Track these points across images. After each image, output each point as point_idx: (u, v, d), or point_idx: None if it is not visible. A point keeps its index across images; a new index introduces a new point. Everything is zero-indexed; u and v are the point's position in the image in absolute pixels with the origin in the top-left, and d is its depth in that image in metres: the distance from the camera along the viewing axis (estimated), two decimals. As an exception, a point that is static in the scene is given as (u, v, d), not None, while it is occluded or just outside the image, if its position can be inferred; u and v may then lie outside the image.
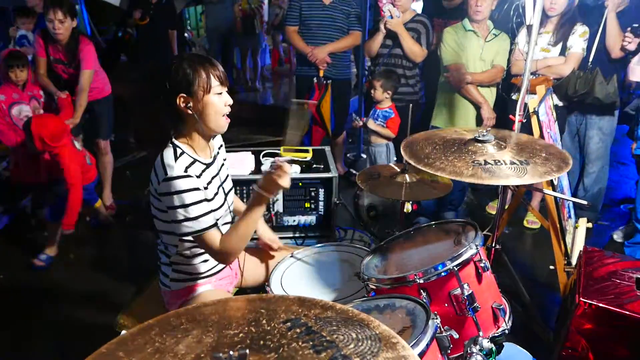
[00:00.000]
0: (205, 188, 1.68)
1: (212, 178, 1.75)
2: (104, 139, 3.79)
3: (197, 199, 1.61)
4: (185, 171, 1.60)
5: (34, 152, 3.04)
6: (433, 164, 1.67)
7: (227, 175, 1.90)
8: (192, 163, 1.66)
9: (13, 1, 4.76)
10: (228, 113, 1.68)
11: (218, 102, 1.64)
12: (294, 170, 2.70)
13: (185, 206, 1.59)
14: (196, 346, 0.73)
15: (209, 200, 1.69)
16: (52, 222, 3.26)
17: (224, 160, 1.91)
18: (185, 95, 1.60)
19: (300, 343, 0.73)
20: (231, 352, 0.68)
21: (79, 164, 3.16)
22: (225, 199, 1.82)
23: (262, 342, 0.72)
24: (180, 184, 1.58)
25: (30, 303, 2.89)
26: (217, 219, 1.73)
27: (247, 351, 0.68)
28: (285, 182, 1.60)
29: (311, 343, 0.74)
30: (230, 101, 1.68)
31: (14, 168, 3.40)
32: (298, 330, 0.76)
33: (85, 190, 3.36)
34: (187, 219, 1.61)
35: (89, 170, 3.32)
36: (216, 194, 1.75)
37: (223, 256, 1.69)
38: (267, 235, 2.12)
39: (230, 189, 1.91)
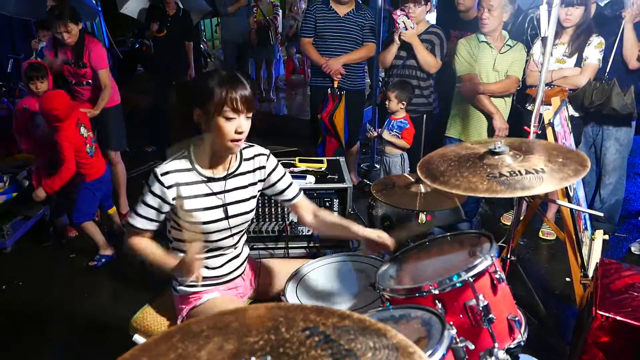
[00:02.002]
0: (184, 197, 1.69)
1: (209, 194, 1.74)
2: (114, 150, 3.83)
3: (149, 201, 1.70)
4: (163, 175, 1.67)
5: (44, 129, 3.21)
6: (448, 182, 1.66)
7: (243, 200, 1.82)
8: (186, 170, 1.70)
9: (36, 14, 4.88)
10: (238, 139, 1.64)
11: (226, 126, 1.61)
12: (309, 181, 2.71)
13: (139, 199, 1.72)
14: (217, 353, 0.74)
15: (198, 210, 1.71)
16: (77, 225, 3.31)
17: (258, 181, 1.85)
18: (199, 110, 1.64)
19: (318, 351, 0.74)
20: (253, 358, 0.70)
21: (75, 145, 3.12)
22: (224, 219, 1.78)
23: (281, 350, 0.73)
24: (151, 180, 1.69)
25: (49, 309, 2.94)
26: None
27: (269, 358, 0.70)
28: (188, 274, 1.60)
29: (329, 351, 0.74)
30: (242, 129, 1.63)
31: (36, 176, 3.47)
32: (316, 339, 0.76)
33: (100, 191, 3.37)
34: (132, 210, 1.76)
35: (88, 161, 3.21)
36: (206, 209, 1.74)
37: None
38: (372, 234, 1.82)
39: (241, 214, 1.82)
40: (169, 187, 1.67)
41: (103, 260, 3.34)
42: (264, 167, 1.86)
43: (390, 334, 0.79)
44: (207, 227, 1.75)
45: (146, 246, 1.78)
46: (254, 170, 1.84)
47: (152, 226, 1.75)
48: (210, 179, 1.74)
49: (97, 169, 3.27)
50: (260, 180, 1.87)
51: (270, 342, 0.76)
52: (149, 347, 0.77)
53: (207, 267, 1.85)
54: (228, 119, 1.60)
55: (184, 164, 1.71)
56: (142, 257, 1.77)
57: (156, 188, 1.68)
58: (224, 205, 1.78)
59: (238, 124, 1.62)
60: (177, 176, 1.69)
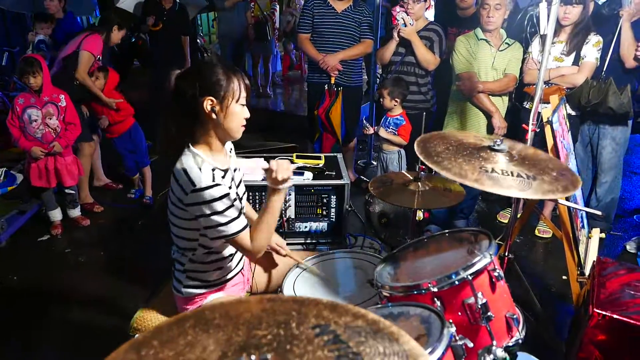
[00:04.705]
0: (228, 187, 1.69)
1: (230, 183, 1.76)
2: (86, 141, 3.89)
3: (228, 204, 1.63)
4: (213, 180, 1.61)
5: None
6: (441, 163, 1.67)
7: (240, 180, 1.91)
8: (213, 170, 1.66)
9: (34, 8, 4.85)
10: (245, 124, 1.72)
11: (241, 112, 1.68)
12: (307, 177, 2.71)
13: (218, 213, 1.61)
14: (224, 344, 0.73)
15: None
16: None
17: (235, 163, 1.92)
18: (213, 98, 1.62)
19: (325, 352, 0.73)
20: (252, 357, 0.69)
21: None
22: (240, 203, 1.82)
23: (288, 347, 0.72)
24: (212, 193, 1.60)
25: (44, 305, 2.92)
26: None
27: (269, 356, 0.69)
28: (282, 174, 1.67)
29: (336, 353, 0.73)
30: (248, 115, 1.72)
31: (29, 172, 3.45)
32: (325, 338, 0.75)
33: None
34: (220, 224, 1.63)
35: (126, 107, 3.96)
36: (234, 198, 1.77)
37: (255, 252, 1.73)
38: (275, 239, 2.10)
39: (244, 193, 1.91)
40: (223, 179, 1.66)
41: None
42: (231, 149, 1.91)
43: (403, 340, 0.77)
44: None
45: (257, 228, 1.72)
46: (230, 152, 1.88)
47: (245, 220, 1.71)
48: (225, 171, 1.74)
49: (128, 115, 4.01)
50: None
51: (278, 337, 0.74)
52: (161, 330, 0.76)
53: (219, 269, 1.84)
54: (243, 105, 1.69)
55: (208, 166, 1.64)
56: (268, 238, 1.74)
57: (218, 191, 1.61)
58: (236, 189, 1.81)
59: (246, 110, 1.71)
60: (216, 176, 1.64)
